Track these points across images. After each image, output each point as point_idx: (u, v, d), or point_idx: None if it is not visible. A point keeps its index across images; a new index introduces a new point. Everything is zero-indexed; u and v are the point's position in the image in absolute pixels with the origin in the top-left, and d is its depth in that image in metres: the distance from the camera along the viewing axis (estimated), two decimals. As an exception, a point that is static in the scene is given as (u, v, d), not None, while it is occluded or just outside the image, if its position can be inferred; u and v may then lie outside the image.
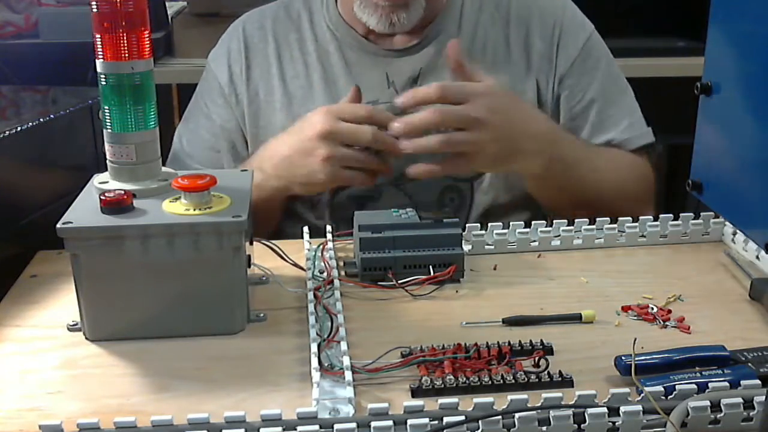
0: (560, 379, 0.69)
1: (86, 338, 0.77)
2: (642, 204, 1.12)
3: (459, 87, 0.93)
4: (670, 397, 0.63)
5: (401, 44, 1.09)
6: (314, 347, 0.71)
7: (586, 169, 1.03)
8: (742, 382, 0.64)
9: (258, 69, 1.11)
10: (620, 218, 0.97)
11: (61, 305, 0.84)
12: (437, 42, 1.08)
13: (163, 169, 0.84)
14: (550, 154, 0.98)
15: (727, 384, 0.64)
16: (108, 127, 0.80)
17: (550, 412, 0.61)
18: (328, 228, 0.97)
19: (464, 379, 0.68)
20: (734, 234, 0.96)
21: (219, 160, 1.14)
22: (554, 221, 0.96)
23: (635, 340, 0.70)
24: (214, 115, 1.13)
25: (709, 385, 0.63)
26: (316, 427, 0.61)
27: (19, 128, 0.96)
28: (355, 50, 1.09)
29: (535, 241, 0.96)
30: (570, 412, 0.61)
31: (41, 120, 1.00)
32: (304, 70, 1.10)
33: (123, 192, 0.77)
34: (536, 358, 0.71)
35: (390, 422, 0.61)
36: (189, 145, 1.15)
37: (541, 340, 0.74)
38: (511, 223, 0.96)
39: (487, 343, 0.73)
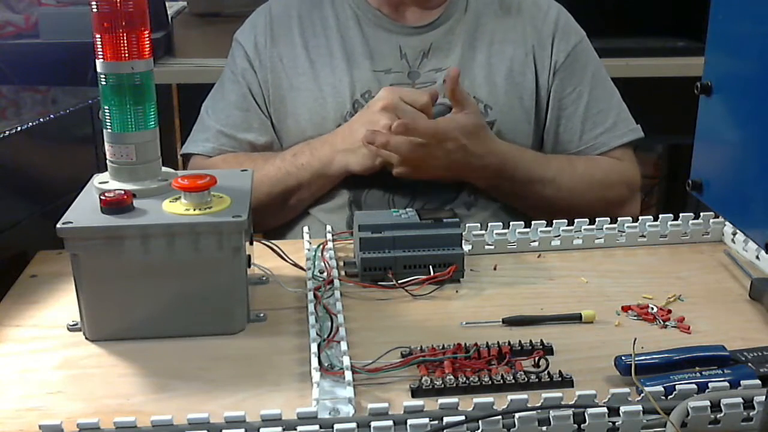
0: (560, 379, 0.69)
1: (86, 338, 0.77)
2: (623, 205, 1.19)
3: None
4: (670, 397, 0.63)
5: (414, 22, 1.19)
6: (314, 347, 0.71)
7: (538, 184, 1.12)
8: (742, 382, 0.64)
9: (282, 40, 1.20)
10: (620, 218, 0.97)
11: (61, 305, 0.84)
12: (446, 25, 1.18)
13: (163, 169, 0.84)
14: (493, 181, 1.10)
15: (727, 384, 0.64)
16: (108, 127, 0.80)
17: (550, 412, 0.61)
18: (328, 228, 0.98)
19: (464, 379, 0.68)
20: (734, 234, 0.96)
21: (247, 120, 1.19)
22: (554, 221, 0.96)
23: (635, 340, 0.70)
24: (240, 77, 1.20)
25: (709, 385, 0.63)
26: (316, 427, 0.61)
27: (19, 128, 0.96)
28: (372, 26, 1.19)
29: (535, 241, 0.96)
30: (570, 412, 0.61)
31: (41, 120, 1.00)
32: (325, 42, 1.19)
33: (123, 192, 0.77)
34: (536, 358, 0.71)
35: (390, 422, 0.61)
36: (215, 112, 1.21)
37: (541, 340, 0.74)
38: (511, 223, 0.96)
39: (487, 343, 0.73)
